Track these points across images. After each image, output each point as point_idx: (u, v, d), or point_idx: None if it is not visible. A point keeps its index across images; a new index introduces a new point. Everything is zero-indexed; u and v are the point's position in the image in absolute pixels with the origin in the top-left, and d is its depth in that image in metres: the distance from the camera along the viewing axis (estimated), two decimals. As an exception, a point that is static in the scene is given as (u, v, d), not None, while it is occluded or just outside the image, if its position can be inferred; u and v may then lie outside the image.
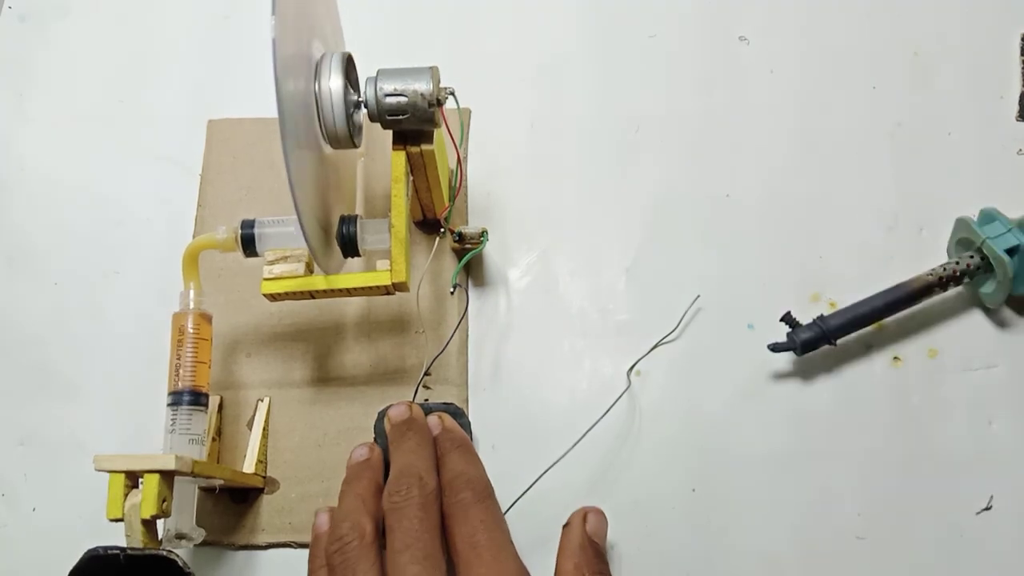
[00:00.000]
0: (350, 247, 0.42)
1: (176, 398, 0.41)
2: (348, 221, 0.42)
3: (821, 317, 0.45)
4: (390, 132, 0.41)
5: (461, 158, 0.46)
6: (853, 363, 0.47)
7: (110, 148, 0.54)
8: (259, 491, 0.45)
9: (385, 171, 0.50)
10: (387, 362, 0.48)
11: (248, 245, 0.42)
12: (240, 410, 0.47)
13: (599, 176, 0.52)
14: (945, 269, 0.45)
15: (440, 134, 0.43)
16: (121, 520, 0.36)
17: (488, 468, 0.41)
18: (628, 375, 0.46)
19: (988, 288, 0.46)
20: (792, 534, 0.44)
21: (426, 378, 0.46)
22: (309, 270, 0.42)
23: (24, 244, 0.52)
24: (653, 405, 0.46)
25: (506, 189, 0.52)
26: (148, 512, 0.36)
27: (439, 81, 0.40)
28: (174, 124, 0.54)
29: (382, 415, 0.44)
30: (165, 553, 0.35)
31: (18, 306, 0.51)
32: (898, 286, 0.45)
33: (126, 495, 0.37)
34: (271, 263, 0.42)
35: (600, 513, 0.41)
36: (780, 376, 0.46)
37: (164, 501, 0.37)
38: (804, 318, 0.45)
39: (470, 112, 0.53)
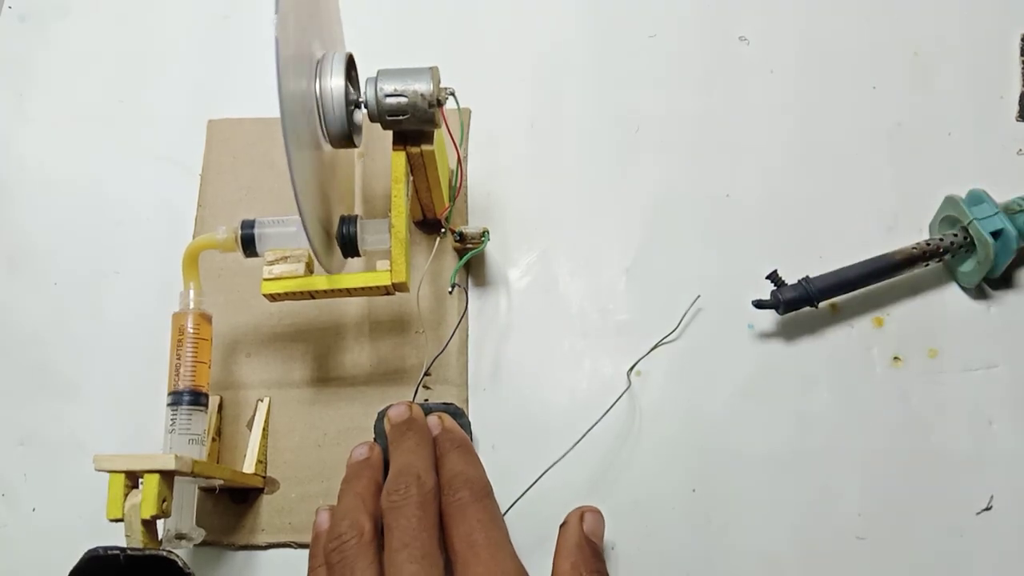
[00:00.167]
0: (350, 247, 0.42)
1: (176, 398, 0.41)
2: (348, 221, 0.42)
3: (806, 278, 0.46)
4: (390, 132, 0.41)
5: (461, 158, 0.46)
6: (853, 363, 0.47)
7: (110, 148, 0.54)
8: (259, 491, 0.45)
9: (385, 171, 0.50)
10: (387, 362, 0.48)
11: (248, 245, 0.42)
12: (240, 410, 0.47)
13: (599, 176, 0.52)
14: (929, 244, 0.46)
15: (440, 134, 0.43)
16: (121, 520, 0.36)
17: (488, 468, 0.41)
18: (628, 375, 0.46)
19: (967, 267, 0.47)
20: (792, 534, 0.44)
21: (426, 378, 0.46)
22: (309, 270, 0.42)
23: (24, 244, 0.52)
24: (653, 405, 0.46)
25: (506, 189, 0.52)
26: (148, 512, 0.36)
27: (439, 81, 0.40)
28: (174, 124, 0.54)
29: (382, 415, 0.44)
30: (165, 553, 0.35)
31: (18, 306, 0.51)
32: (882, 256, 0.46)
33: (126, 495, 0.37)
34: (271, 263, 0.42)
35: (597, 512, 0.41)
36: (780, 376, 0.46)
37: (164, 501, 0.37)
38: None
39: (470, 112, 0.53)
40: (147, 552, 0.35)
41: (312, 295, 0.42)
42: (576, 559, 0.38)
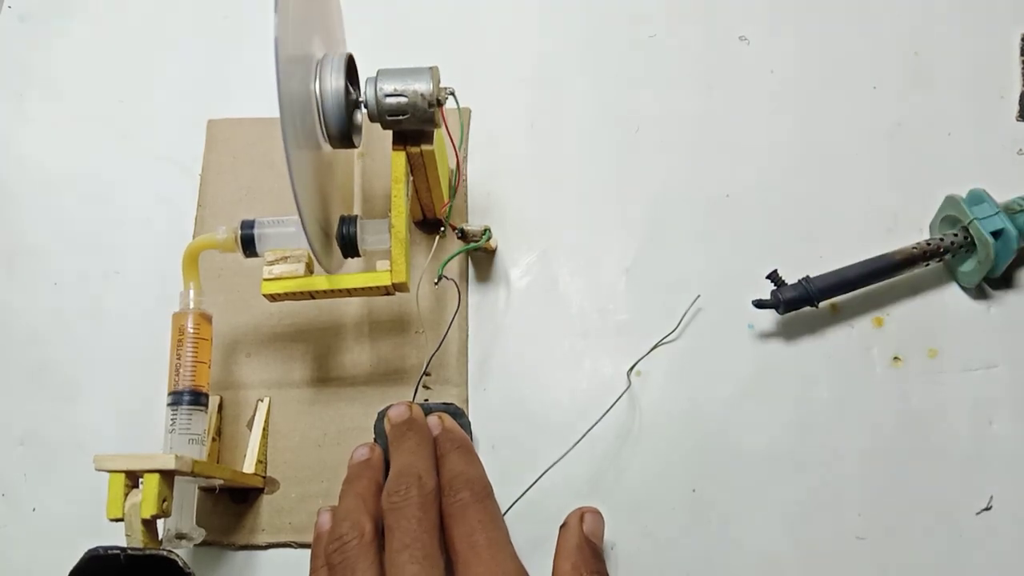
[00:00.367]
0: (350, 247, 0.42)
1: (176, 398, 0.41)
2: (348, 221, 0.42)
3: (806, 278, 0.46)
4: (390, 132, 0.41)
5: (460, 158, 0.46)
6: (853, 363, 0.47)
7: (110, 148, 0.54)
8: (259, 491, 0.45)
9: (384, 171, 0.50)
10: (387, 362, 0.48)
11: (248, 245, 0.42)
12: (240, 410, 0.47)
13: (599, 176, 0.52)
14: (929, 244, 0.46)
15: (440, 134, 0.43)
16: (121, 520, 0.37)
17: (488, 468, 0.41)
18: (628, 375, 0.46)
19: (967, 267, 0.47)
20: (792, 534, 0.44)
21: (426, 378, 0.46)
22: (309, 270, 0.42)
23: (24, 244, 0.52)
24: (653, 405, 0.46)
25: (506, 189, 0.52)
26: (148, 512, 0.36)
27: (439, 81, 0.40)
28: (174, 124, 0.54)
29: (382, 415, 0.44)
30: (165, 553, 0.35)
31: (18, 306, 0.51)
32: (882, 256, 0.46)
33: (126, 495, 0.37)
34: (271, 263, 0.42)
35: (597, 513, 0.41)
36: (780, 376, 0.46)
37: (164, 501, 0.37)
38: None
39: (470, 112, 0.53)
40: (147, 552, 0.35)
41: (312, 295, 0.42)
42: (576, 560, 0.39)
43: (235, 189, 0.52)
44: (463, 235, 0.46)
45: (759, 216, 0.50)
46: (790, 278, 0.46)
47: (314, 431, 0.46)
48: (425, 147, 0.42)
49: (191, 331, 0.42)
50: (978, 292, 0.48)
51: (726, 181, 0.51)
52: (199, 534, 0.40)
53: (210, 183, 0.52)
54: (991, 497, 0.44)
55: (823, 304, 0.46)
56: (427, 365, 0.45)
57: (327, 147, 0.41)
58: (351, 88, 0.41)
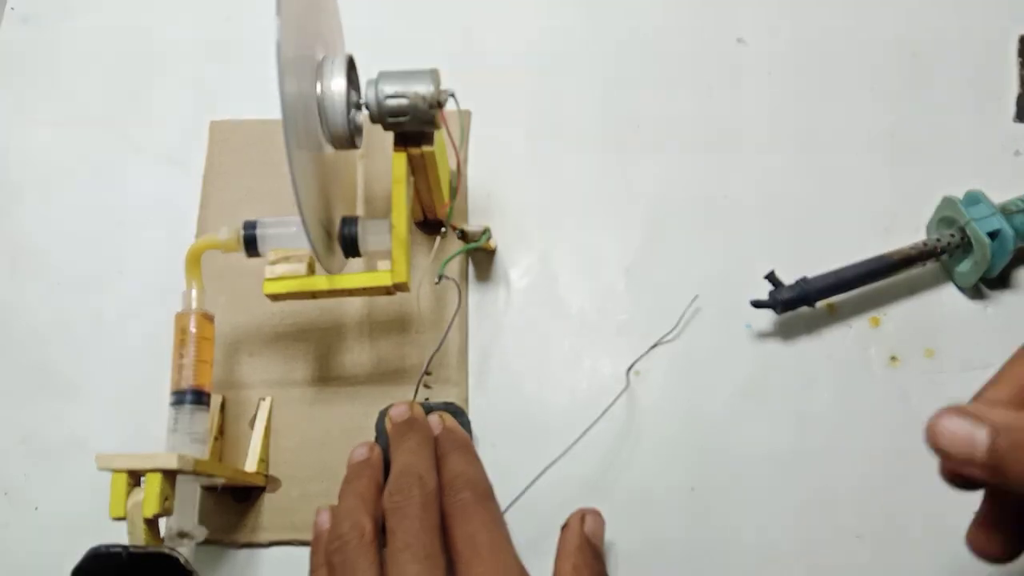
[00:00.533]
0: (351, 248, 0.42)
1: (179, 397, 0.42)
2: (350, 222, 0.42)
3: (804, 278, 0.46)
4: (390, 133, 0.42)
5: (461, 160, 0.46)
6: (851, 363, 0.47)
7: (112, 148, 0.54)
8: (261, 490, 0.46)
9: (385, 171, 0.50)
10: (388, 362, 0.48)
11: (250, 246, 0.42)
12: (242, 409, 0.47)
13: (599, 176, 0.52)
14: (926, 244, 0.46)
15: (440, 136, 0.43)
16: (124, 519, 0.37)
17: (488, 467, 0.41)
18: (627, 375, 0.46)
19: (964, 267, 0.47)
20: (792, 534, 0.44)
21: (426, 377, 0.46)
22: (311, 270, 0.42)
23: (26, 244, 0.52)
24: (652, 405, 0.46)
25: (506, 189, 0.52)
26: (150, 511, 0.36)
27: (440, 83, 0.40)
28: (176, 125, 0.55)
29: (383, 414, 0.44)
30: (167, 551, 0.35)
31: (20, 306, 0.51)
32: (879, 256, 0.46)
33: (128, 494, 0.37)
34: (273, 263, 0.42)
35: (598, 514, 0.41)
36: (778, 375, 0.47)
37: (166, 500, 0.37)
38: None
39: (470, 114, 0.53)
40: (149, 550, 0.36)
41: (314, 295, 0.43)
42: (577, 560, 0.39)
43: (237, 190, 0.52)
44: (463, 235, 0.46)
45: (757, 216, 0.50)
46: (788, 278, 0.46)
47: (316, 430, 0.47)
48: (426, 148, 0.42)
49: (193, 331, 0.42)
50: (975, 292, 0.48)
51: (725, 181, 0.51)
52: (201, 532, 0.41)
53: (212, 184, 0.52)
54: (988, 496, 0.44)
55: (820, 304, 0.47)
56: (427, 364, 0.45)
57: (328, 148, 0.42)
58: (352, 90, 0.41)
